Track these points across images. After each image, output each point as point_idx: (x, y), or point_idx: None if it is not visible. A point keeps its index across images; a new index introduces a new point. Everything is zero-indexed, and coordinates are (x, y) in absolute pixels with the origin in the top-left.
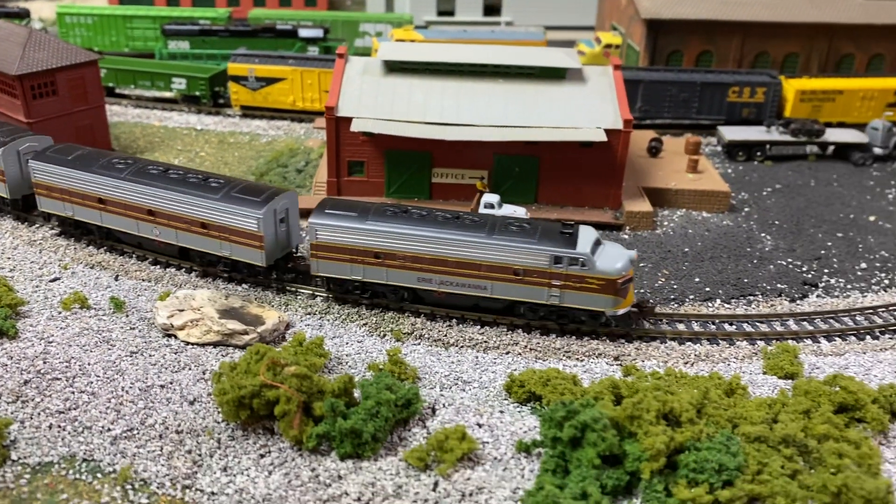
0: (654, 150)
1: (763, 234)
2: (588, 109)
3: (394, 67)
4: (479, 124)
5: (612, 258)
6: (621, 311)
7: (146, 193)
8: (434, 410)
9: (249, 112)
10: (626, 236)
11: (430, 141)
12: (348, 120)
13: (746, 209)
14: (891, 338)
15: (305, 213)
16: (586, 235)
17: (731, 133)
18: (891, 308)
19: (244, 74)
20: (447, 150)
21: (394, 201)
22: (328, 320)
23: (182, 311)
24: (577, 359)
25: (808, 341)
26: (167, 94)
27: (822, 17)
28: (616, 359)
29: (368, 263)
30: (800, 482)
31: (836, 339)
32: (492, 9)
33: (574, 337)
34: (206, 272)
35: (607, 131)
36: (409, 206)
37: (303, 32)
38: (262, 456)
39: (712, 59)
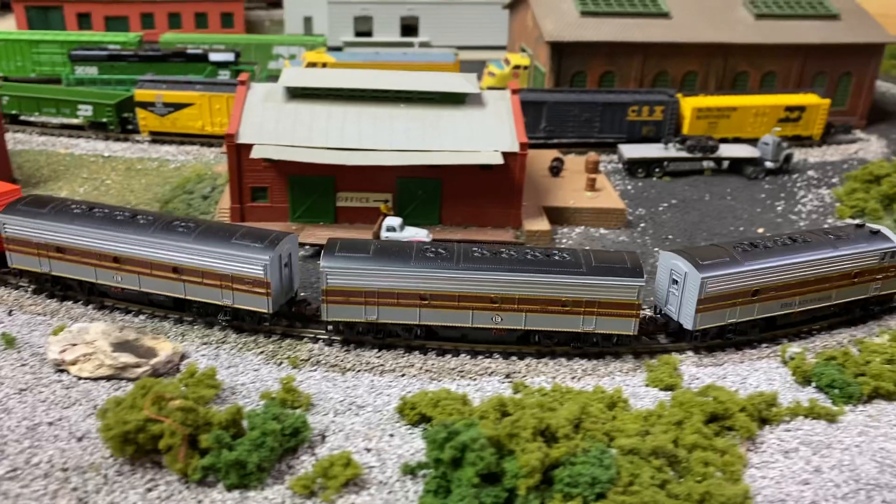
0: (556, 169)
1: (656, 249)
2: (486, 133)
3: (296, 93)
4: (381, 149)
5: None
6: None
7: (489, 282)
8: (324, 437)
9: (159, 138)
10: None
11: (334, 165)
12: (249, 147)
13: (643, 224)
14: (768, 346)
15: None
16: (885, 230)
17: (630, 151)
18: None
19: (151, 100)
20: (350, 174)
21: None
22: (225, 350)
23: (75, 345)
24: (471, 378)
25: (691, 353)
26: (74, 121)
27: (717, 37)
28: (507, 376)
29: (743, 303)
30: (668, 491)
31: (717, 350)
32: (409, 29)
33: (468, 356)
34: (103, 304)
35: (504, 154)
36: (757, 240)
37: (213, 56)
38: (149, 490)
39: (615, 79)
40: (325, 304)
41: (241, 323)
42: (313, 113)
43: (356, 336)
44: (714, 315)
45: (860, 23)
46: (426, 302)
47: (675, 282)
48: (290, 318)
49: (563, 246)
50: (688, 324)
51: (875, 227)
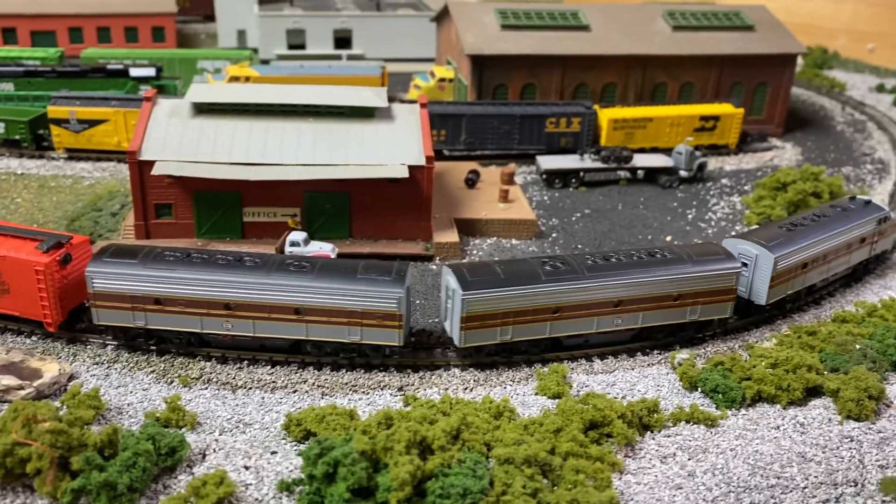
0: (471, 181)
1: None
2: (394, 146)
3: (202, 109)
4: (286, 163)
5: None
6: None
7: (615, 286)
8: (204, 456)
9: (75, 154)
10: (435, 267)
11: (239, 181)
12: (152, 163)
13: (554, 234)
14: (659, 353)
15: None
16: (874, 199)
17: (547, 162)
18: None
19: (65, 117)
20: (256, 189)
21: None
22: (115, 369)
23: None
24: (364, 392)
25: (583, 360)
26: None
27: (635, 49)
28: (400, 389)
29: (797, 276)
30: (540, 500)
31: (609, 357)
32: (343, 41)
33: (363, 370)
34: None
35: (411, 167)
36: (794, 219)
37: (134, 72)
38: None
39: (536, 91)
40: (464, 331)
41: (366, 359)
42: (219, 128)
43: (486, 357)
44: (779, 289)
45: (774, 34)
46: (557, 315)
47: (745, 264)
48: (416, 348)
49: (478, 255)
50: (761, 300)
51: (865, 198)
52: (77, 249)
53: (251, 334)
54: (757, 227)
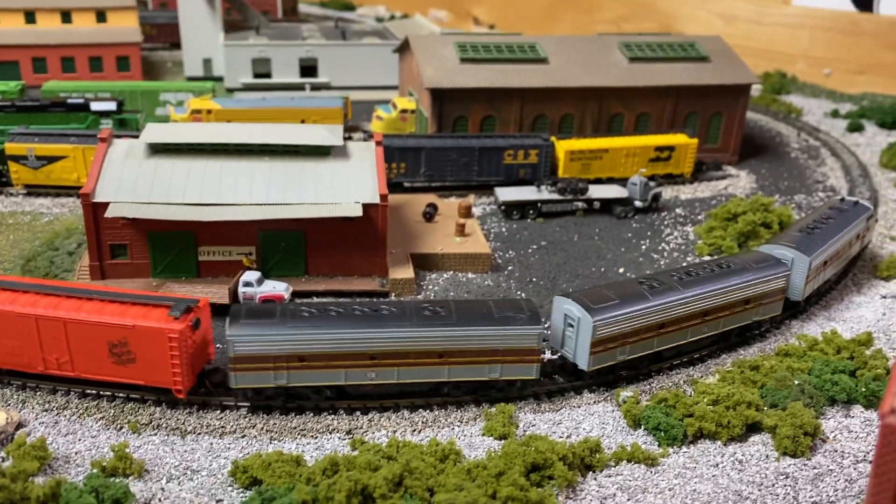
0: (429, 215)
1: (519, 292)
2: (349, 185)
3: (158, 149)
4: (240, 203)
5: None
6: None
7: (703, 298)
8: None
9: (34, 190)
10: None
11: (193, 221)
12: (106, 205)
13: (510, 267)
14: (606, 390)
15: None
16: (861, 200)
17: (505, 194)
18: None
19: (23, 154)
20: (210, 228)
21: None
22: (65, 416)
23: None
24: (312, 436)
25: (531, 399)
26: None
27: (591, 81)
28: (348, 433)
29: (821, 272)
30: None
31: (557, 395)
32: (309, 70)
33: (312, 414)
34: None
35: (366, 205)
36: (811, 224)
37: (95, 106)
38: None
39: (496, 123)
40: (592, 356)
41: (501, 393)
42: (174, 168)
43: (605, 377)
44: (810, 285)
45: (728, 64)
46: (661, 329)
47: None
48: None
49: (433, 291)
50: (798, 297)
51: (853, 198)
52: (202, 313)
53: (395, 381)
54: (780, 233)
